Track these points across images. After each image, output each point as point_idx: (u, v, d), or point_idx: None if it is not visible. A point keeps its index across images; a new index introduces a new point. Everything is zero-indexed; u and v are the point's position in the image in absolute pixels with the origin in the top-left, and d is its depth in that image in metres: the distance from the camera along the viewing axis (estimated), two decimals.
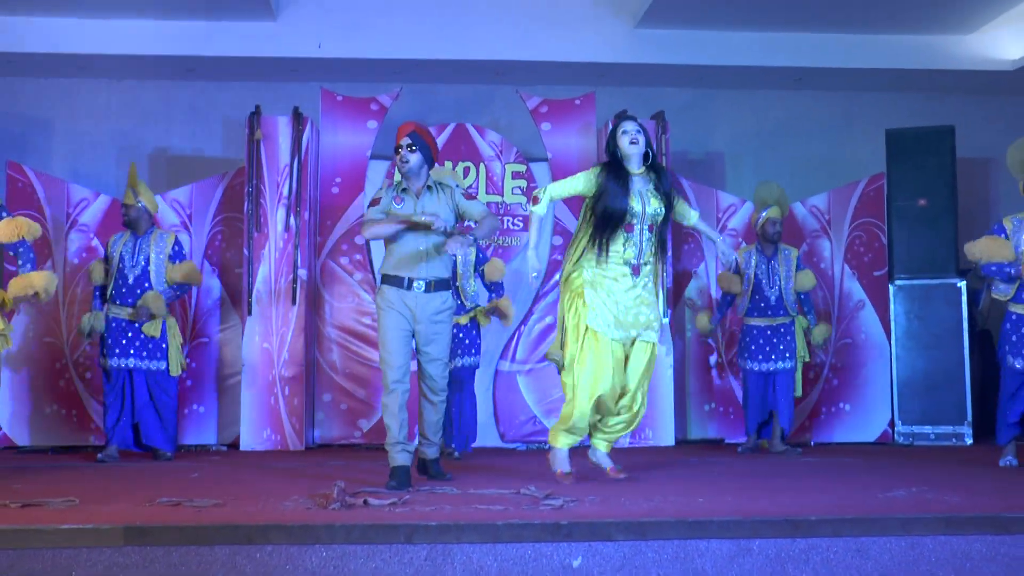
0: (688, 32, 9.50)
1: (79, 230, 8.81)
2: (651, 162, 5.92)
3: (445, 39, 9.38)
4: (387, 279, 5.88)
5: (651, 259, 5.99)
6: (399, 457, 5.76)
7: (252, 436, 8.45)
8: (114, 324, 7.65)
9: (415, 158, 5.87)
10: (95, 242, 8.80)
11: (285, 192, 8.67)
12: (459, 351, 7.60)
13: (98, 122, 9.87)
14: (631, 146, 5.84)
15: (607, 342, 5.81)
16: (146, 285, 7.65)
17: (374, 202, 6.00)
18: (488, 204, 9.08)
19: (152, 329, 7.64)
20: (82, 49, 9.17)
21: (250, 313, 8.54)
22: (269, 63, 9.50)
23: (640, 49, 9.52)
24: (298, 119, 8.74)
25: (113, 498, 5.19)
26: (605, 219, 5.78)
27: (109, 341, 7.64)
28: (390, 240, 5.89)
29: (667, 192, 5.93)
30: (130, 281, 7.65)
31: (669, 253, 5.97)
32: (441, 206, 5.92)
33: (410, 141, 5.85)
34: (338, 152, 9.06)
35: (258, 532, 4.05)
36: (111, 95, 9.91)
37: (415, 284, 5.81)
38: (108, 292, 7.74)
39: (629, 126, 5.90)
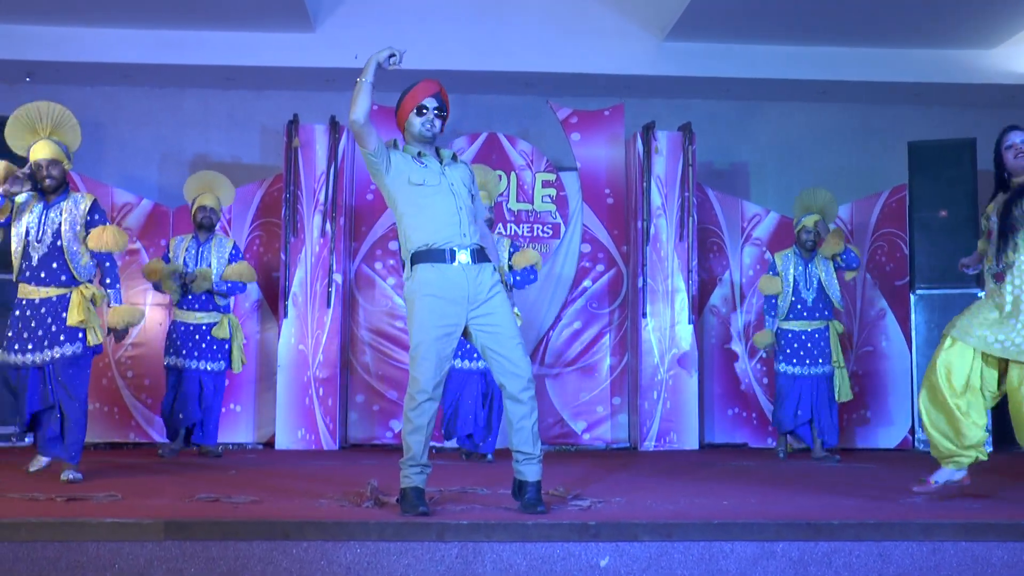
0: (715, 45, 9.62)
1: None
2: None
3: (478, 51, 9.50)
4: (421, 256, 4.66)
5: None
6: (415, 478, 4.63)
7: (287, 435, 8.63)
8: (182, 328, 7.85)
9: (439, 124, 4.83)
10: (138, 245, 9.02)
11: (321, 198, 8.84)
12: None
13: (141, 129, 10.08)
14: (1015, 160, 5.31)
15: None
16: (211, 291, 7.88)
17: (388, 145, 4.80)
18: (519, 212, 9.29)
19: (221, 331, 7.86)
20: (125, 58, 9.38)
21: (286, 316, 8.73)
22: (306, 73, 9.67)
23: (668, 61, 9.65)
24: (335, 128, 8.92)
25: (154, 493, 5.30)
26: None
27: (178, 343, 7.83)
28: (411, 208, 4.72)
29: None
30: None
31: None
32: (463, 178, 4.84)
33: (439, 104, 4.79)
34: None
35: (294, 528, 4.11)
36: (153, 103, 10.12)
37: (459, 255, 4.64)
38: (175, 298, 7.93)
39: (1016, 138, 5.30)
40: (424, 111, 4.75)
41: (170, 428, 7.92)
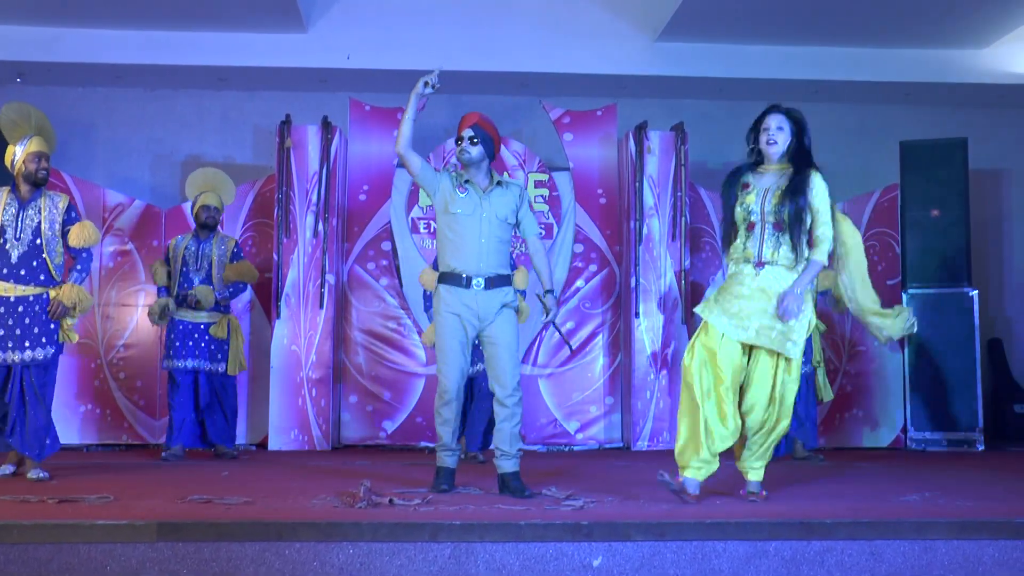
0: (707, 45, 9.64)
1: (114, 234, 9.00)
2: (792, 157, 5.18)
3: (470, 51, 9.49)
4: (444, 277, 5.50)
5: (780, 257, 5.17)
6: (448, 460, 5.54)
7: (280, 436, 8.62)
8: (180, 327, 7.80)
9: (476, 150, 5.50)
10: (130, 246, 9.00)
11: (314, 199, 8.83)
12: (477, 357, 7.62)
13: (134, 130, 10.10)
14: (766, 146, 5.18)
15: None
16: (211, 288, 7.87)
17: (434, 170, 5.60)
18: None
19: (219, 331, 7.84)
20: (118, 59, 9.38)
21: (279, 316, 8.71)
22: (299, 74, 9.68)
23: (660, 61, 9.68)
24: (327, 128, 8.90)
25: (146, 495, 5.27)
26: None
27: (177, 344, 7.78)
28: (446, 232, 5.51)
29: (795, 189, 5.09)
30: (196, 284, 7.82)
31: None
32: (506, 204, 5.54)
33: (472, 133, 5.50)
34: (366, 160, 9.24)
35: (287, 529, 4.11)
36: (146, 104, 10.13)
37: (474, 282, 5.44)
38: (172, 294, 7.89)
39: (772, 121, 5.19)
40: (460, 141, 5.54)
41: (174, 432, 7.78)
